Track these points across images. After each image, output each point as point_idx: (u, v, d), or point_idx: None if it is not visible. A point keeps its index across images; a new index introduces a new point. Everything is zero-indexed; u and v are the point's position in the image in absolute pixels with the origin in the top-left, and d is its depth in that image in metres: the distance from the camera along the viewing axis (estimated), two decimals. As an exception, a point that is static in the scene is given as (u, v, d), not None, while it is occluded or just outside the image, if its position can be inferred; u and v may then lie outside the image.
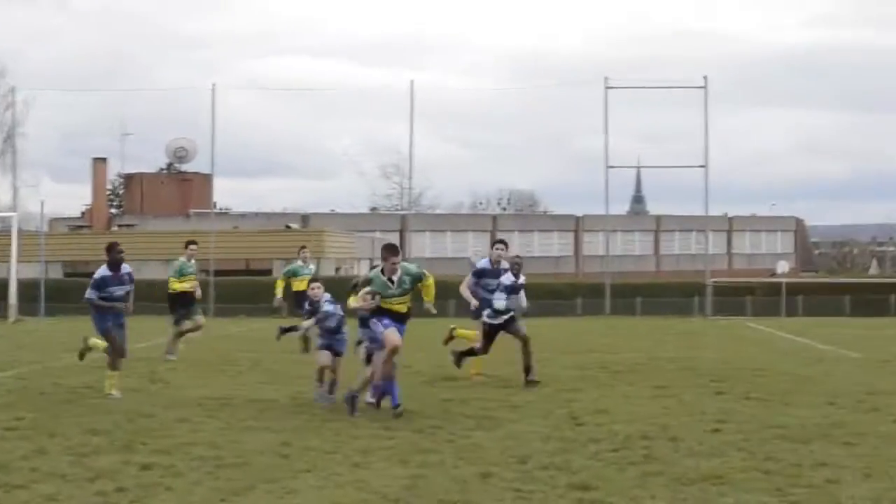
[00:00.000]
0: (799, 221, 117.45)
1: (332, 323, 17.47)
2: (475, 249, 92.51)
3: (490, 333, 20.36)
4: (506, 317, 20.20)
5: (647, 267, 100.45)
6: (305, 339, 24.63)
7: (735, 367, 23.22)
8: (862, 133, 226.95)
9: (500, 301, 20.01)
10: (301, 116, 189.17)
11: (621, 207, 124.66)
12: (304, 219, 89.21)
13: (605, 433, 14.17)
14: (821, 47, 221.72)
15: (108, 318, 18.44)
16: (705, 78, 63.59)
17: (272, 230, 77.18)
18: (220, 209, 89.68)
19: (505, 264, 20.71)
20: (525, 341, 20.10)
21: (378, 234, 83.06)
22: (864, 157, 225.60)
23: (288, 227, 79.56)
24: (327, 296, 17.63)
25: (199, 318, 26.23)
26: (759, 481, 11.31)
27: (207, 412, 16.10)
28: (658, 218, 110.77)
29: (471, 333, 21.27)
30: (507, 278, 20.36)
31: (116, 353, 18.36)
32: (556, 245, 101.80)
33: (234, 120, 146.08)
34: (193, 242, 26.68)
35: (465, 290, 20.61)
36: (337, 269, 69.00)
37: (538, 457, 12.56)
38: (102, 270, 18.38)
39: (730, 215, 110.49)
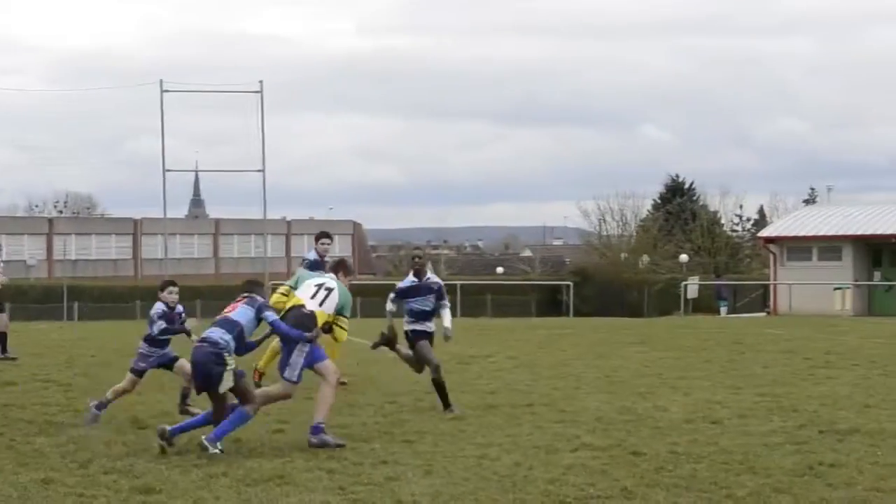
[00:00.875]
0: (357, 225, 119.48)
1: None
2: (31, 252, 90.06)
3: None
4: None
5: (206, 269, 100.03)
6: None
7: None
8: (416, 138, 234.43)
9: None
10: None
11: (180, 211, 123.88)
12: None
13: (168, 436, 14.04)
14: (377, 54, 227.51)
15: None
16: (261, 82, 64.17)
17: None
18: None
19: (328, 259, 18.85)
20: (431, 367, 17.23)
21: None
22: (419, 162, 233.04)
23: None
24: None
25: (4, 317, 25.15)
26: (321, 480, 11.49)
27: None
28: (217, 221, 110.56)
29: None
30: (406, 281, 17.47)
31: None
32: (114, 248, 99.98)
33: None
34: None
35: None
36: None
37: (101, 461, 12.38)
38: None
39: (288, 219, 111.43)
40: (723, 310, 64.43)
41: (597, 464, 12.44)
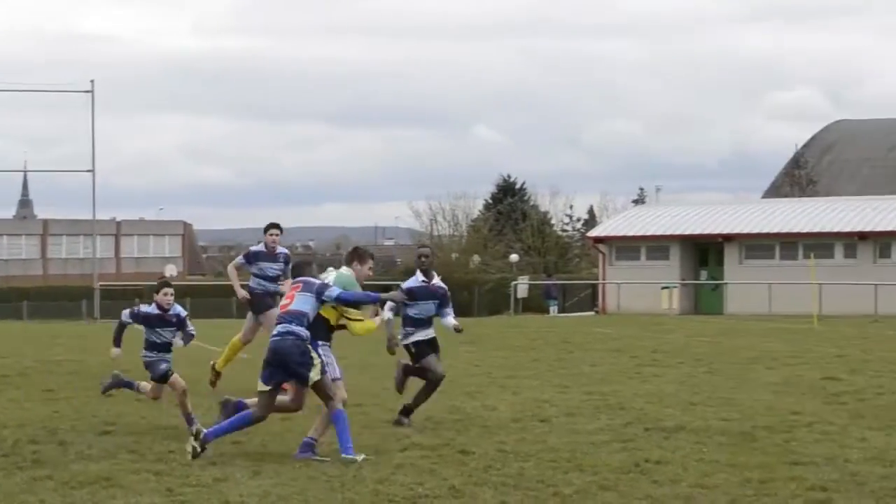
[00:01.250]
0: (187, 225, 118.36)
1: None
2: None
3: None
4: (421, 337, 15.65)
5: (34, 271, 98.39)
6: None
7: (125, 369, 23.10)
8: (248, 139, 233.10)
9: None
10: None
11: (7, 212, 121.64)
12: None
13: (-9, 440, 13.83)
14: (210, 54, 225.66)
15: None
16: (92, 82, 63.18)
17: None
18: None
19: (282, 250, 18.54)
20: (434, 381, 15.75)
21: None
22: (251, 163, 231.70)
23: None
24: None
25: None
26: (149, 482, 11.39)
27: None
28: (45, 222, 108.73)
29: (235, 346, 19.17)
30: (413, 280, 15.70)
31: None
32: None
33: None
34: None
35: (231, 271, 19.19)
36: None
37: (-79, 466, 12.11)
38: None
39: (118, 219, 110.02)
40: (552, 309, 64.97)
41: (425, 463, 12.51)
